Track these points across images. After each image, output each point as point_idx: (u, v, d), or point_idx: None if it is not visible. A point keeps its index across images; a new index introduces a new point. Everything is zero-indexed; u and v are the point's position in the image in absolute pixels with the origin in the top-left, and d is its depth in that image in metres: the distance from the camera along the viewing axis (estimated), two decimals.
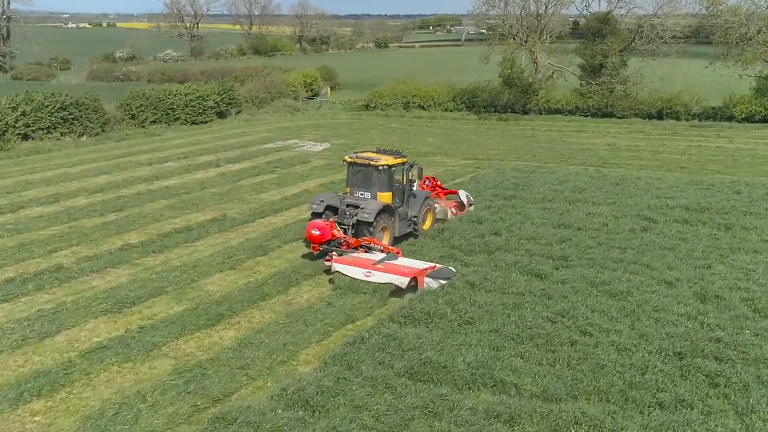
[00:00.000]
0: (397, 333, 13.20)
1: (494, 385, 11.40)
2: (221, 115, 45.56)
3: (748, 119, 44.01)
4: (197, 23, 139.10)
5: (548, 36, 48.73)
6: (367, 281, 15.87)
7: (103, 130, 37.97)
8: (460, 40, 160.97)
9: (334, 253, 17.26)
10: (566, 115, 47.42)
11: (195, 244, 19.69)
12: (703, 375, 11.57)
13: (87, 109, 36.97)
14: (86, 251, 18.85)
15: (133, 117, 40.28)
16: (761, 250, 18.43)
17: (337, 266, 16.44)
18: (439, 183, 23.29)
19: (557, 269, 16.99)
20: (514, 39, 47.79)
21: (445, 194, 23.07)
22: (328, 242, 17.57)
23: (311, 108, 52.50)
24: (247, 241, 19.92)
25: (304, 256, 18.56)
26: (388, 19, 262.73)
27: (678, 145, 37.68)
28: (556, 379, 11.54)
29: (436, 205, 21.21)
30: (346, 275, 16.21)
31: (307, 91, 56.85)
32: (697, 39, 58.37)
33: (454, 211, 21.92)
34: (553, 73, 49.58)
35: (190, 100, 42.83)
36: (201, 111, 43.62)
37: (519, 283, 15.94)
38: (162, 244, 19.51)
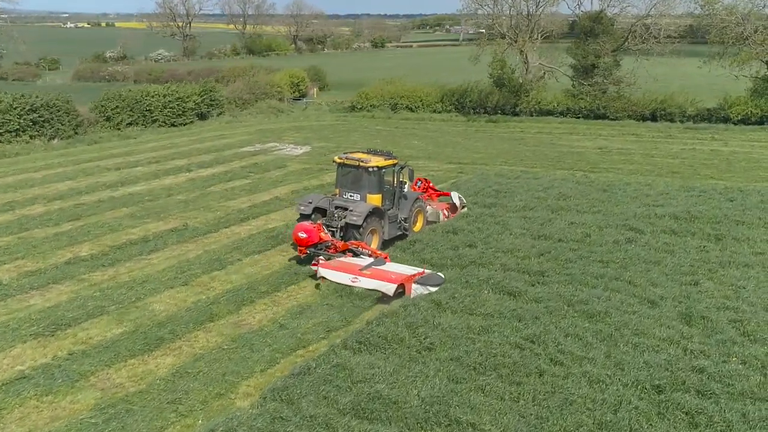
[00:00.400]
0: (349, 362, 12.01)
1: (449, 425, 10.20)
2: (202, 116, 44.36)
3: (744, 121, 42.85)
4: (189, 23, 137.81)
5: (539, 35, 47.50)
6: (353, 286, 15.50)
7: (76, 133, 36.74)
8: (458, 39, 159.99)
9: (321, 257, 16.80)
10: (557, 116, 46.22)
11: (149, 257, 18.48)
12: (683, 413, 10.39)
13: (59, 111, 35.73)
14: (31, 265, 17.65)
15: (108, 119, 39.05)
16: (753, 264, 17.25)
17: (322, 271, 15.98)
18: (431, 185, 22.91)
19: (533, 286, 15.81)
20: (504, 38, 46.55)
21: (438, 196, 22.76)
22: (315, 245, 17.20)
23: (297, 109, 51.30)
24: (206, 253, 18.72)
25: (264, 271, 17.38)
26: (387, 19, 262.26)
27: (671, 148, 36.53)
28: (519, 418, 10.36)
29: (427, 207, 20.88)
30: (331, 281, 15.80)
31: (293, 92, 55.68)
32: (692, 39, 57.19)
33: (446, 213, 21.58)
34: (544, 73, 48.40)
35: (169, 101, 41.61)
36: (181, 112, 42.40)
37: (489, 302, 14.74)
38: (114, 257, 18.30)
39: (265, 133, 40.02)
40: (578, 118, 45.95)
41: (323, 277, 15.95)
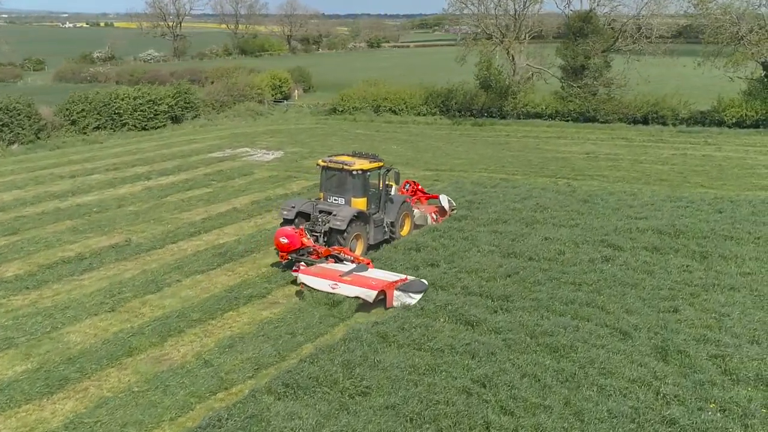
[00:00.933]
0: (268, 410, 10.49)
1: None
2: (176, 119, 42.84)
3: (739, 124, 41.38)
4: (180, 23, 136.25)
5: (527, 36, 45.99)
6: (333, 293, 15.09)
7: (38, 138, 35.18)
8: (456, 39, 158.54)
9: (302, 263, 16.45)
10: (546, 119, 44.71)
11: (81, 278, 16.95)
12: None
13: (19, 115, 34.18)
14: None
15: (73, 123, 37.48)
16: (739, 286, 15.73)
17: (302, 278, 15.57)
18: (420, 187, 22.60)
19: (494, 313, 14.29)
20: (490, 39, 45.04)
21: (427, 199, 22.37)
22: (296, 251, 16.78)
23: (277, 112, 49.79)
24: (143, 273, 17.18)
25: (203, 294, 15.86)
26: (387, 19, 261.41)
27: (662, 153, 35.03)
28: None
29: (415, 210, 20.59)
30: (311, 287, 15.36)
31: (276, 94, 54.16)
32: (687, 39, 55.71)
33: (435, 217, 21.22)
34: (532, 74, 46.88)
35: (140, 104, 40.08)
36: (152, 116, 40.88)
37: (442, 334, 13.22)
38: (41, 278, 16.78)
39: (239, 138, 38.48)
40: (567, 121, 44.45)
41: (303, 284, 15.47)
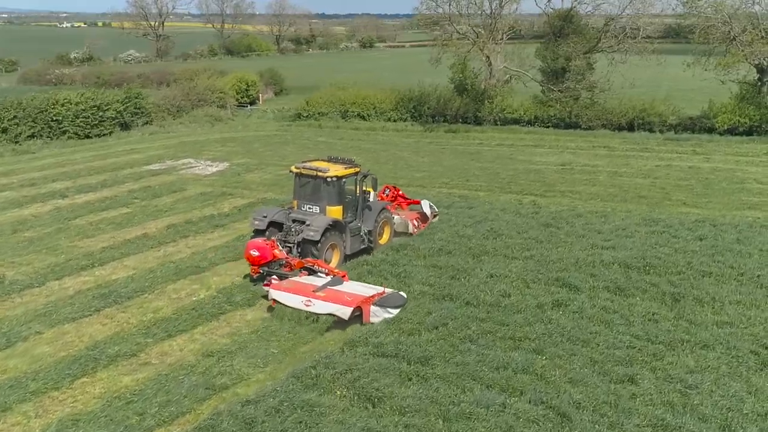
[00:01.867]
0: None
1: None
2: (125, 126, 40.00)
3: (731, 131, 38.71)
4: (162, 22, 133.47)
5: (504, 36, 43.20)
6: (308, 311, 14.25)
7: None
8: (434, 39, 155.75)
9: (274, 277, 15.51)
10: (524, 126, 41.95)
11: None
12: None
13: None
14: None
15: (4, 131, 34.62)
16: (714, 342, 12.97)
17: (274, 293, 14.73)
18: (401, 192, 21.86)
19: (406, 382, 11.56)
20: (463, 39, 42.25)
21: (408, 204, 21.67)
22: (268, 264, 16.02)
23: (241, 117, 46.93)
24: None
25: (59, 352, 13.06)
26: (388, 19, 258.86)
27: (644, 164, 32.31)
28: None
29: (395, 216, 19.78)
30: (284, 304, 14.51)
31: (242, 97, 51.34)
32: (674, 39, 53.05)
33: (416, 224, 20.35)
34: (510, 77, 44.12)
35: (82, 110, 37.24)
36: (97, 122, 38.04)
37: (329, 417, 10.46)
38: None
39: (186, 147, 35.67)
40: (547, 127, 41.71)
41: (275, 300, 14.64)
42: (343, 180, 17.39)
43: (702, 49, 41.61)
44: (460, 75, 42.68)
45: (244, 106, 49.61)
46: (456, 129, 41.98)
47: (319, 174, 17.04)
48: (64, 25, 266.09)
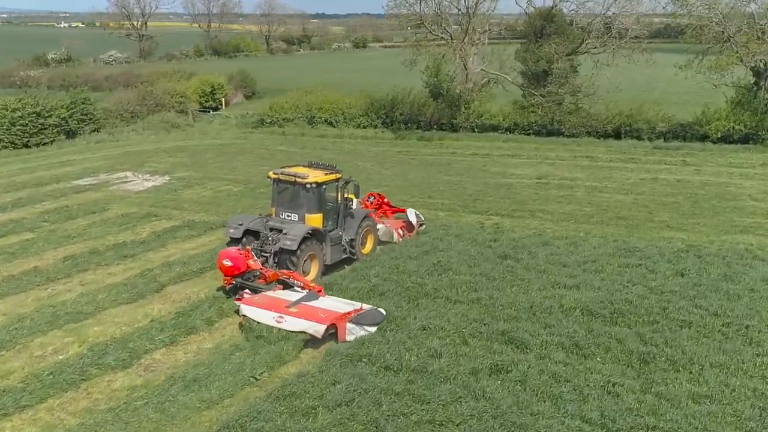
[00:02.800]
0: None
1: None
2: (71, 134, 37.23)
3: (725, 139, 36.07)
4: (145, 22, 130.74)
5: (481, 36, 40.45)
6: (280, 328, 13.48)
7: None
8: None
9: (246, 291, 14.88)
10: (503, 133, 39.26)
11: None
12: None
13: None
14: None
15: None
16: (687, 428, 10.22)
17: (244, 309, 13.99)
18: (386, 200, 21.23)
19: None
20: (435, 40, 39.52)
21: (394, 213, 21.08)
22: (242, 275, 15.37)
23: (202, 123, 44.18)
24: None
25: None
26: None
27: (629, 177, 29.65)
28: None
29: (380, 225, 19.24)
30: (255, 320, 13.76)
31: (208, 101, 48.61)
32: (663, 40, 50.31)
33: (401, 233, 19.73)
34: (488, 81, 41.41)
35: (19, 117, 34.47)
36: (38, 130, 35.29)
37: None
38: None
39: (130, 157, 32.91)
40: (528, 134, 39.04)
41: (245, 316, 13.87)
42: (324, 186, 16.72)
43: (696, 49, 38.89)
44: (434, 78, 40.01)
45: (205, 111, 46.85)
46: (429, 137, 39.28)
47: (298, 180, 16.39)
48: (62, 26, 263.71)
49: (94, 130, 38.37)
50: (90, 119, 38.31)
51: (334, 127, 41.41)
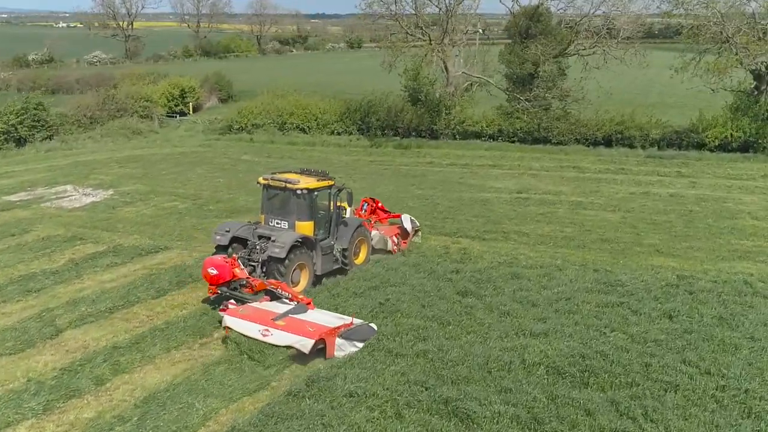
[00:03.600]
0: None
1: None
2: (21, 142, 34.81)
3: (723, 147, 33.82)
4: (131, 22, 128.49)
5: (463, 37, 38.07)
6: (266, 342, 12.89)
7: None
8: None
9: (231, 301, 14.24)
10: (486, 140, 36.90)
11: None
12: None
13: None
14: None
15: None
16: None
17: (228, 321, 13.41)
18: (381, 205, 20.63)
19: None
20: (418, 40, 37.12)
21: (388, 219, 20.43)
22: (227, 284, 14.95)
23: (168, 129, 41.78)
24: None
25: None
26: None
27: (617, 190, 27.33)
28: None
29: (373, 232, 18.74)
30: (239, 333, 13.16)
31: (178, 105, 46.18)
32: (662, 39, 47.97)
33: (396, 241, 19.08)
34: (471, 84, 39.05)
35: None
36: None
37: None
38: None
39: (77, 168, 30.54)
40: (513, 142, 36.66)
41: (229, 328, 13.36)
42: (315, 193, 16.31)
43: (694, 51, 36.53)
44: (413, 82, 37.66)
45: (172, 116, 44.42)
46: (407, 144, 36.90)
47: (289, 186, 15.96)
48: (61, 25, 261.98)
49: (45, 138, 35.92)
50: (42, 126, 35.88)
51: (306, 133, 39.03)
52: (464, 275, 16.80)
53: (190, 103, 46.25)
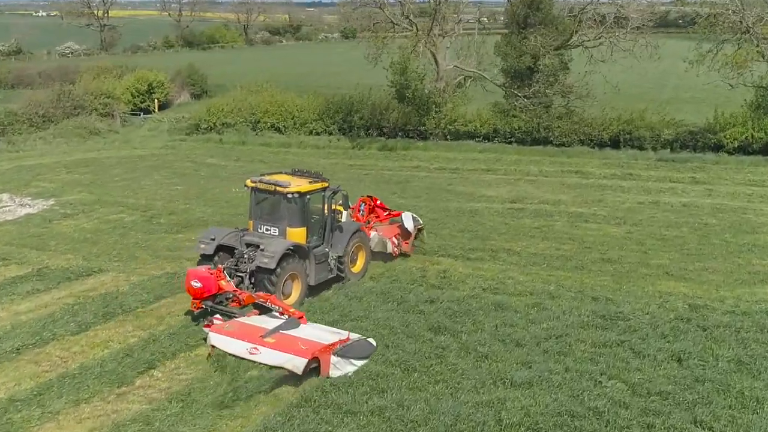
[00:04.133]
0: None
1: None
2: None
3: (743, 149, 32.31)
4: (107, 10, 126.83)
5: (455, 27, 36.54)
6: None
7: None
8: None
9: (217, 316, 13.79)
10: (480, 141, 35.36)
11: None
12: None
13: None
14: None
15: None
16: None
17: (213, 338, 12.99)
18: (380, 203, 20.15)
19: None
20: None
21: (389, 218, 20.01)
22: (213, 297, 14.41)
23: (130, 128, 40.22)
24: None
25: None
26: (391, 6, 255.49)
27: (624, 199, 25.87)
28: None
29: (371, 233, 18.36)
30: (225, 352, 12.82)
31: (143, 101, 44.60)
32: (677, 28, 46.42)
33: (396, 242, 18.65)
34: (464, 79, 37.54)
35: None
36: None
37: None
38: None
39: (19, 174, 29.04)
40: (510, 143, 35.15)
41: (214, 346, 12.96)
42: (308, 196, 15.94)
43: (713, 40, 34.90)
44: (400, 76, 36.13)
45: (137, 114, 42.87)
46: (393, 146, 35.38)
47: (279, 189, 15.58)
48: (41, 14, 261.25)
49: None
50: None
51: (282, 133, 37.49)
52: (440, 306, 15.26)
53: (156, 100, 44.59)
